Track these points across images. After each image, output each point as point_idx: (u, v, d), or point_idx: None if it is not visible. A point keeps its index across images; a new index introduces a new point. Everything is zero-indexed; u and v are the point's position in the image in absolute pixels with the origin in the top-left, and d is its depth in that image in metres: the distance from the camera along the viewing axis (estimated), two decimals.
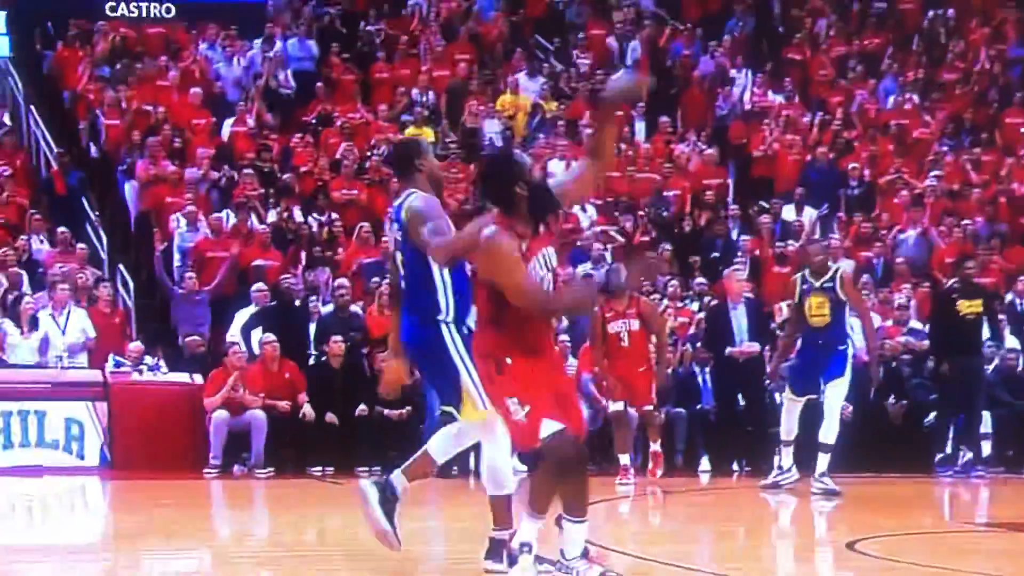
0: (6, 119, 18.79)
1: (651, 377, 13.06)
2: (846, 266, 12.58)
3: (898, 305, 16.10)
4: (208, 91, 19.28)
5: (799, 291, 11.96)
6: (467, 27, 21.38)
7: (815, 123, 20.45)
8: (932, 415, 14.71)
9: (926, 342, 15.08)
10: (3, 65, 19.61)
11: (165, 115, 18.38)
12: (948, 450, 14.46)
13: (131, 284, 16.56)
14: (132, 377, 14.38)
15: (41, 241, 16.42)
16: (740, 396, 14.71)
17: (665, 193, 18.66)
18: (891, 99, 21.16)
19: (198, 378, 14.30)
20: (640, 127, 20.36)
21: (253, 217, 16.77)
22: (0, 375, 14.19)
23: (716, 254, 17.52)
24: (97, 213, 17.66)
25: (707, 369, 15.00)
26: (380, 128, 18.93)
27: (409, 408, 13.69)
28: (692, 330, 15.61)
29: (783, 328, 13.85)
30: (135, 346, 14.77)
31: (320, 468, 13.84)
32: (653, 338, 13.21)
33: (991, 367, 14.91)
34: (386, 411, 13.92)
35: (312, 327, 14.95)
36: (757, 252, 17.45)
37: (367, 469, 13.55)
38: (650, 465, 12.99)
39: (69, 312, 14.81)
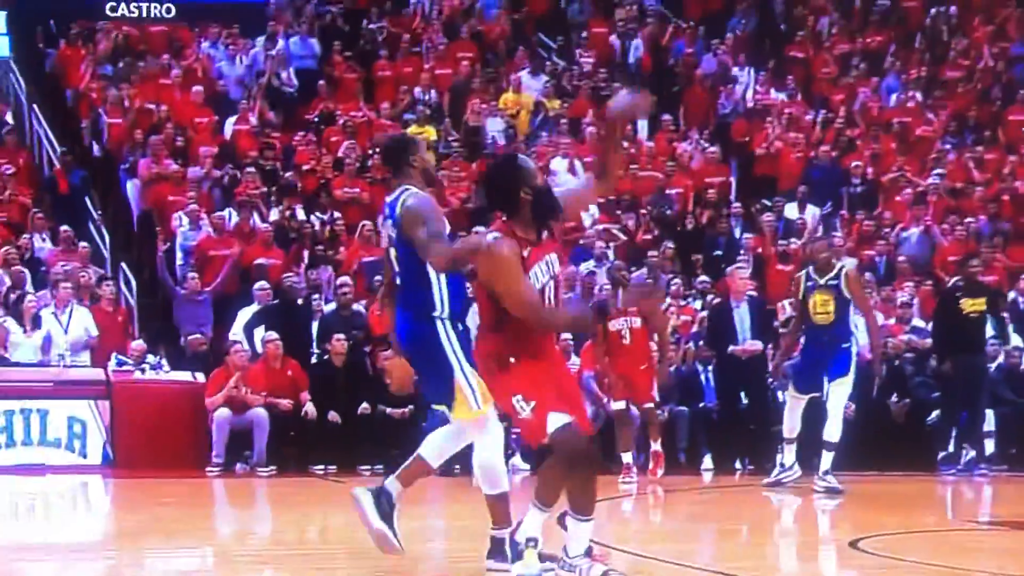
0: (8, 118, 18.79)
1: (652, 375, 13.06)
2: (850, 264, 12.56)
3: (901, 303, 16.09)
4: (210, 89, 19.28)
5: (803, 288, 11.95)
6: (469, 25, 21.38)
7: (818, 121, 20.45)
8: (935, 413, 14.70)
9: (929, 340, 15.06)
10: (5, 64, 19.61)
11: (167, 114, 18.39)
12: (951, 448, 14.45)
13: (133, 283, 16.56)
14: (134, 376, 14.38)
15: (44, 240, 16.43)
16: (743, 394, 14.70)
17: (668, 191, 18.65)
18: (894, 97, 21.14)
19: (200, 377, 14.30)
20: (643, 125, 20.34)
21: (255, 215, 16.78)
22: (3, 373, 14.18)
23: (719, 252, 17.52)
24: (99, 212, 17.67)
25: (710, 367, 14.99)
26: (382, 126, 18.92)
27: (411, 407, 13.68)
28: (695, 328, 15.61)
29: (786, 326, 13.85)
30: (137, 345, 14.77)
31: (322, 466, 13.84)
32: (655, 336, 13.20)
33: (994, 365, 14.90)
34: (388, 410, 13.92)
35: (314, 325, 14.94)
36: (760, 250, 17.44)
37: (369, 468, 13.56)
38: (651, 465, 12.97)
39: (72, 311, 14.81)
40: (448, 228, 6.78)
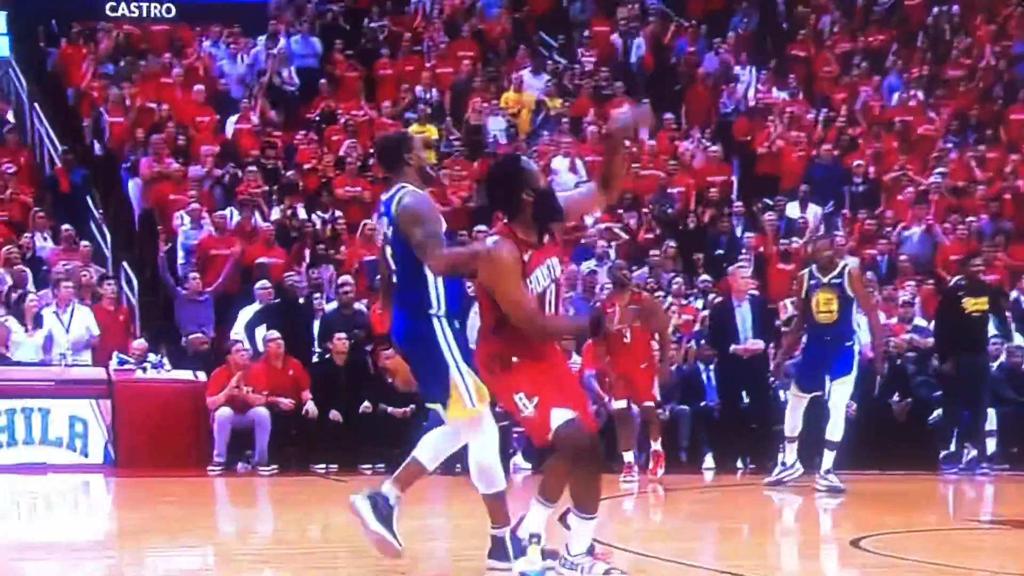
0: (10, 117, 18.79)
1: (653, 374, 13.04)
2: (853, 262, 12.55)
3: (902, 302, 16.09)
4: (212, 88, 19.29)
5: (806, 287, 11.93)
6: (471, 24, 21.38)
7: (819, 120, 20.45)
8: (937, 413, 14.69)
9: (930, 339, 15.06)
10: (6, 63, 19.60)
11: (169, 112, 18.39)
12: (952, 447, 14.44)
13: (135, 282, 16.56)
14: (136, 375, 14.39)
15: (45, 239, 16.43)
16: (744, 393, 14.69)
17: (669, 190, 18.65)
18: (895, 96, 21.13)
19: (202, 376, 14.30)
20: None
21: (257, 214, 16.78)
22: (4, 373, 14.18)
23: (720, 251, 17.52)
24: (101, 211, 17.67)
25: (711, 366, 15.00)
26: (384, 125, 18.91)
27: (413, 406, 13.67)
28: (696, 327, 15.61)
29: (788, 325, 13.84)
30: (139, 343, 14.77)
31: (324, 465, 13.84)
32: (657, 335, 13.19)
33: (996, 364, 14.89)
34: (390, 409, 13.92)
35: (316, 324, 14.94)
36: (761, 249, 17.44)
37: (371, 466, 13.55)
38: (651, 464, 12.95)
39: (73, 310, 14.81)
40: (444, 227, 6.76)
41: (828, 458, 11.81)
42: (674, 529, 10.09)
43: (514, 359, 6.22)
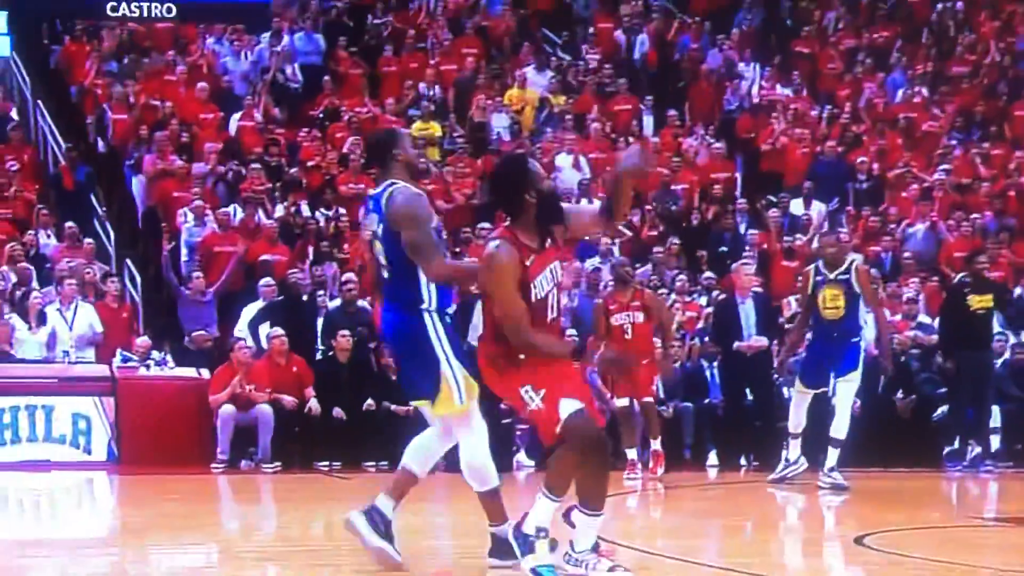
0: (14, 114, 18.80)
1: (654, 370, 13.01)
2: (858, 259, 12.54)
3: (907, 299, 16.07)
4: (215, 86, 19.27)
5: (812, 283, 11.90)
6: (474, 21, 21.37)
7: (823, 117, 20.44)
8: (941, 409, 14.68)
9: (935, 336, 15.04)
10: (9, 61, 19.60)
11: (172, 110, 18.39)
12: (956, 444, 14.42)
13: (138, 279, 16.56)
14: (139, 372, 14.40)
15: (48, 236, 16.44)
16: (748, 390, 14.68)
17: (673, 187, 18.64)
18: (900, 92, 21.12)
19: (205, 373, 14.31)
20: (648, 121, 20.34)
21: (260, 212, 16.77)
22: (8, 370, 14.20)
23: (724, 248, 17.50)
24: (104, 208, 17.67)
25: (715, 363, 14.99)
26: (387, 122, 18.90)
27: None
28: (700, 324, 15.59)
29: (791, 322, 13.82)
30: (142, 341, 14.78)
31: (327, 463, 13.84)
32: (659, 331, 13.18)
33: (1000, 361, 14.88)
34: (393, 406, 13.90)
35: (319, 322, 14.94)
36: (765, 246, 17.42)
37: (374, 464, 13.55)
38: (651, 464, 12.90)
39: (76, 307, 14.83)
40: (436, 221, 6.72)
41: (832, 456, 11.80)
42: (678, 526, 10.08)
43: (520, 356, 6.21)
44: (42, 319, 14.66)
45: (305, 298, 15.08)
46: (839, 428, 11.79)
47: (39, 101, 19.01)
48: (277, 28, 20.13)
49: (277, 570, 7.51)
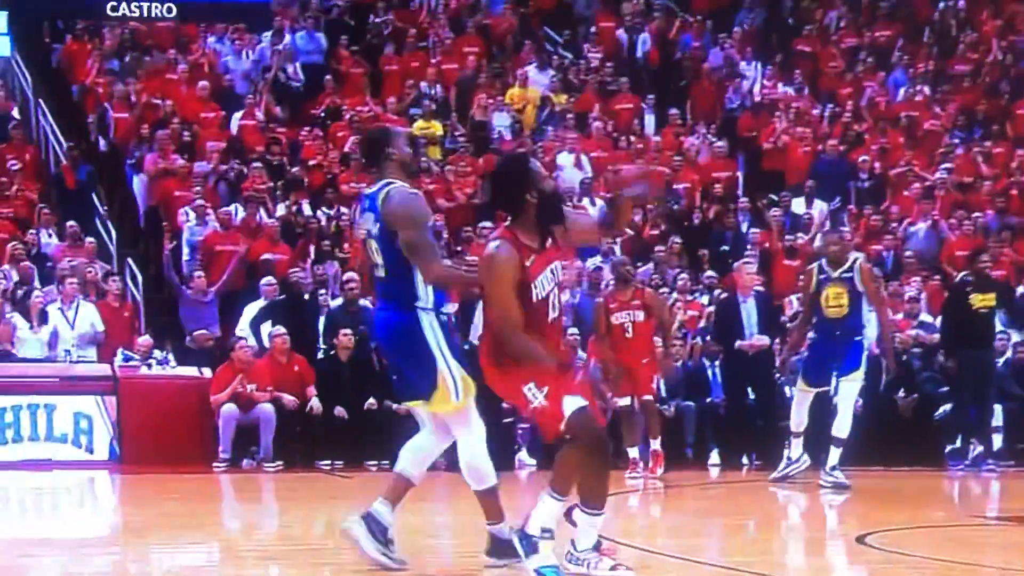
0: (15, 113, 18.79)
1: (655, 368, 12.99)
2: (862, 257, 12.52)
3: (908, 298, 16.06)
4: (217, 84, 19.27)
5: (816, 281, 11.88)
6: (476, 19, 21.36)
7: (825, 115, 20.42)
8: (943, 408, 14.67)
9: (936, 335, 15.03)
10: (9, 60, 19.60)
11: (174, 109, 18.38)
12: (958, 443, 14.41)
13: (140, 278, 16.56)
14: (141, 371, 14.39)
15: (50, 235, 16.44)
16: (750, 389, 14.69)
17: (675, 186, 18.62)
18: (902, 91, 21.10)
19: (207, 372, 14.31)
20: (649, 119, 20.33)
21: (262, 211, 16.77)
22: (9, 369, 14.20)
23: (726, 247, 17.49)
24: (106, 207, 17.67)
25: (716, 362, 14.98)
26: (389, 121, 18.90)
27: None
28: (701, 323, 15.58)
29: (793, 321, 13.81)
30: (144, 340, 14.78)
31: (329, 462, 13.83)
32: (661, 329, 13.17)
33: (1001, 360, 14.87)
34: (394, 405, 13.88)
35: (321, 321, 14.94)
36: (767, 245, 17.40)
37: (376, 463, 13.54)
38: (650, 464, 12.88)
39: (78, 306, 14.83)
40: (432, 220, 6.67)
41: (834, 455, 11.79)
42: (679, 525, 10.08)
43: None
44: (44, 318, 14.66)
45: (307, 297, 15.09)
46: (841, 427, 11.79)
47: (40, 100, 19.01)
48: (278, 27, 20.13)
49: (279, 569, 7.51)
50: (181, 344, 15.23)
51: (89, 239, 16.18)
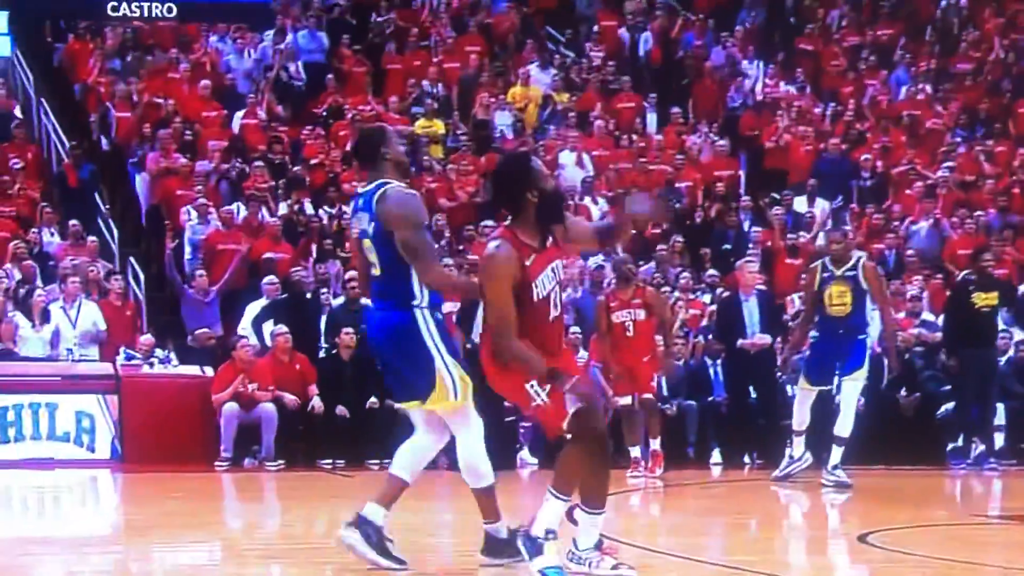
0: (17, 112, 18.80)
1: (656, 367, 12.98)
2: (865, 255, 12.52)
3: (910, 297, 16.05)
4: (219, 83, 19.28)
5: (819, 279, 11.87)
6: (478, 18, 21.35)
7: (827, 114, 20.41)
8: (945, 407, 14.66)
9: (938, 334, 15.02)
10: (11, 60, 19.61)
11: (175, 108, 18.39)
12: (960, 442, 14.40)
13: (142, 277, 16.57)
14: (143, 370, 14.40)
15: (52, 234, 16.44)
16: (752, 388, 14.67)
17: (677, 184, 18.62)
18: (904, 90, 21.09)
19: (209, 371, 14.31)
20: (652, 118, 20.33)
21: (264, 210, 16.78)
22: (11, 368, 14.20)
23: (728, 246, 17.49)
24: (108, 206, 17.68)
25: (718, 361, 14.97)
26: (391, 120, 18.89)
27: None
28: (703, 322, 15.58)
29: (795, 319, 13.80)
30: (146, 339, 14.78)
31: (330, 461, 13.83)
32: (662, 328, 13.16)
33: (1003, 359, 14.86)
34: (396, 404, 13.88)
35: (323, 320, 14.93)
36: (769, 244, 17.40)
37: (377, 462, 13.53)
38: (649, 463, 12.86)
39: (80, 305, 14.83)
40: (427, 218, 6.68)
41: (836, 454, 11.79)
42: (681, 524, 10.08)
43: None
44: (46, 317, 14.66)
45: (308, 296, 15.09)
46: (843, 426, 11.77)
47: (42, 99, 19.02)
48: (280, 26, 20.13)
49: (280, 568, 7.51)
50: (183, 343, 15.23)
51: (91, 238, 16.19)
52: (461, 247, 16.26)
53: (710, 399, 14.88)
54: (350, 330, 14.25)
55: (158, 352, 14.59)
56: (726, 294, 15.29)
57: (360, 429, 14.00)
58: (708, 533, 9.29)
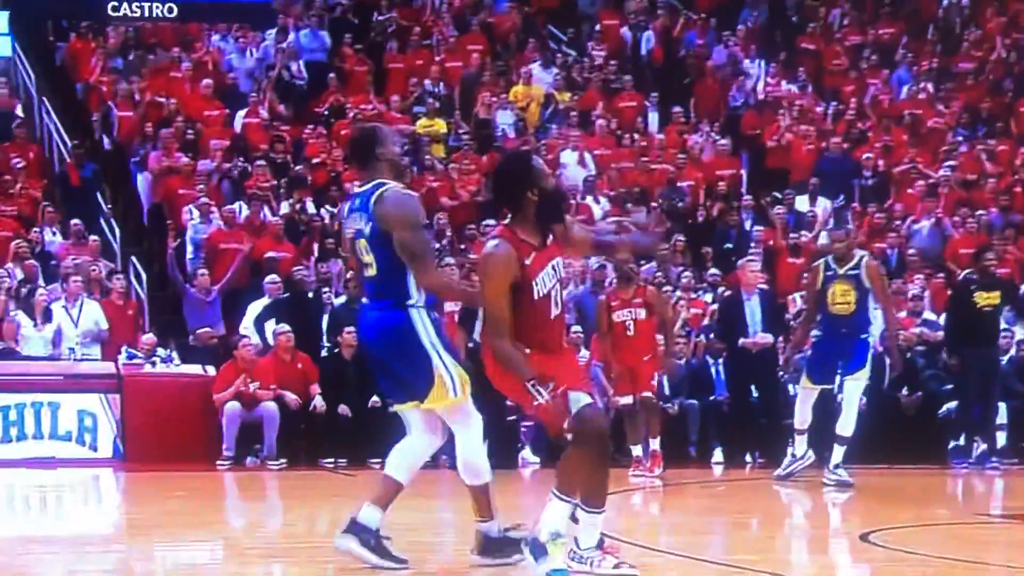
0: (19, 111, 18.81)
1: (656, 366, 12.97)
2: (867, 254, 12.50)
3: (912, 296, 16.05)
4: (220, 83, 19.29)
5: (822, 278, 11.85)
6: (479, 17, 21.35)
7: (829, 113, 20.40)
8: (947, 406, 14.66)
9: (940, 333, 15.02)
10: (13, 59, 19.62)
11: (177, 107, 18.40)
12: (962, 441, 14.40)
13: (144, 276, 16.57)
14: (145, 369, 14.41)
15: (54, 233, 16.45)
16: (753, 387, 14.67)
17: (678, 184, 18.62)
18: (905, 89, 21.08)
19: (211, 370, 14.32)
20: (653, 117, 20.33)
21: (266, 209, 16.78)
22: (13, 367, 14.22)
23: (729, 245, 17.49)
24: (110, 205, 17.68)
25: (720, 360, 14.97)
26: (393, 119, 18.90)
27: None
28: (705, 321, 15.57)
29: (797, 318, 13.80)
30: (148, 338, 14.79)
31: (332, 460, 13.84)
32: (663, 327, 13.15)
33: (1005, 358, 14.86)
34: (393, 406, 13.87)
35: (325, 319, 14.94)
36: (771, 243, 17.40)
37: (379, 461, 13.50)
38: (648, 463, 12.84)
39: (82, 304, 14.84)
40: (425, 219, 6.70)
41: (838, 453, 11.78)
42: (683, 523, 10.08)
43: (527, 350, 6.20)
44: (47, 316, 14.67)
45: (310, 295, 15.10)
46: (845, 425, 11.77)
47: (44, 98, 19.02)
48: (282, 25, 20.13)
49: (282, 567, 7.52)
50: (185, 342, 15.23)
51: (93, 237, 16.20)
52: (463, 246, 16.26)
53: (712, 398, 14.88)
54: (352, 329, 14.20)
55: (160, 351, 14.60)
56: (728, 293, 15.29)
57: (362, 428, 14.00)
58: (710, 532, 9.30)
